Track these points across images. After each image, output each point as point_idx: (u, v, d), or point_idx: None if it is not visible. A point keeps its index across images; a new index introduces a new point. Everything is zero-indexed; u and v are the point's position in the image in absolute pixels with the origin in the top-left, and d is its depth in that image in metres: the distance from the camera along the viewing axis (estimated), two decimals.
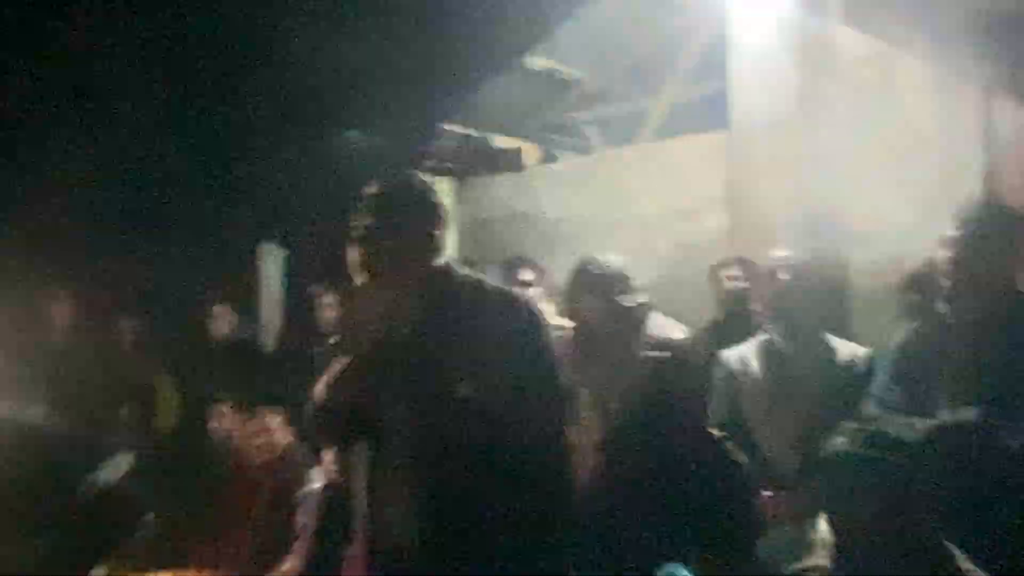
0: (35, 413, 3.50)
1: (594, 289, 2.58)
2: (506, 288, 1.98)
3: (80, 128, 4.70)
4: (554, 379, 1.86)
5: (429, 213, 1.86)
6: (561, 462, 1.86)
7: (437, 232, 1.87)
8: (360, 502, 1.96)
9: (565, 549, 1.89)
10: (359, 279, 1.85)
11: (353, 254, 1.84)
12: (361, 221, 1.84)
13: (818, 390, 2.52)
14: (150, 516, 3.55)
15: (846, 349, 2.60)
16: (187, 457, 3.51)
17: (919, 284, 2.60)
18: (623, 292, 2.61)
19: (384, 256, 1.82)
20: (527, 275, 3.17)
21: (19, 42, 4.14)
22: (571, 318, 2.74)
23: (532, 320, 1.86)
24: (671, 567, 2.48)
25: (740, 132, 3.61)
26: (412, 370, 1.80)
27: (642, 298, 2.72)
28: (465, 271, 1.96)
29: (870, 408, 2.14)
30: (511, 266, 3.24)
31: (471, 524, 1.78)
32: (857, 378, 2.48)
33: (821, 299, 2.71)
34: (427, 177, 2.02)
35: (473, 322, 1.81)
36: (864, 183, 3.25)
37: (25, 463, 3.22)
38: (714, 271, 3.37)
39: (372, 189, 1.87)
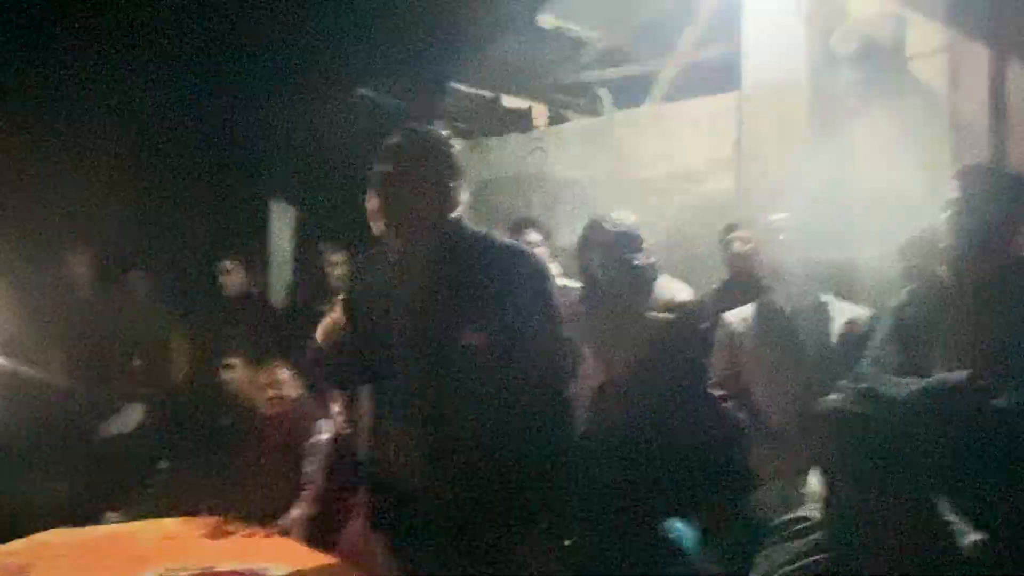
0: (53, 366, 3.61)
1: (604, 246, 2.60)
2: (514, 242, 2.02)
3: (96, 87, 4.73)
4: (557, 331, 1.91)
5: (446, 165, 1.89)
6: (562, 412, 1.90)
7: (453, 184, 1.89)
8: (365, 450, 2.01)
9: (564, 499, 1.94)
10: (376, 227, 1.89)
11: (371, 202, 1.87)
12: (380, 169, 1.88)
13: (816, 350, 2.55)
14: (163, 464, 3.67)
15: (847, 311, 2.62)
16: (199, 408, 3.60)
17: (920, 247, 2.61)
18: (633, 250, 2.63)
19: (401, 205, 1.85)
20: (532, 236, 3.20)
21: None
22: (580, 275, 2.77)
23: (538, 273, 1.90)
24: (674, 524, 2.54)
25: (750, 94, 3.58)
26: (420, 318, 1.84)
27: (651, 258, 2.74)
28: (475, 226, 1.99)
29: (865, 367, 2.17)
30: (517, 227, 3.26)
31: (473, 471, 1.82)
32: (857, 340, 2.50)
33: (823, 261, 2.72)
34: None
35: (480, 273, 1.85)
36: (873, 146, 3.23)
37: (44, 414, 3.34)
38: (723, 233, 3.38)
39: (393, 139, 1.90)
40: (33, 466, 3.09)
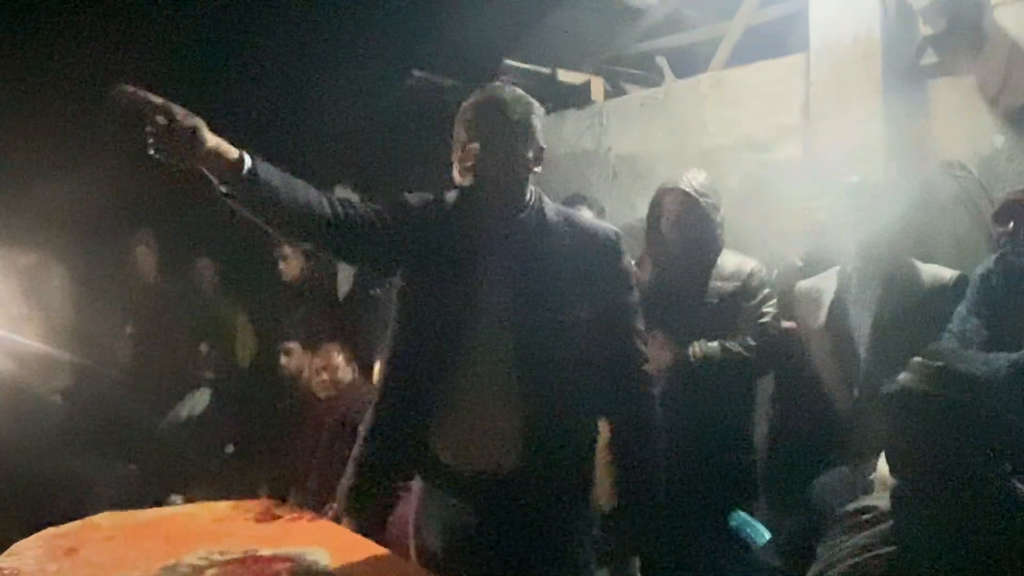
0: (121, 355, 3.71)
1: (683, 192, 2.53)
2: (605, 225, 1.97)
3: (158, 74, 4.84)
4: (636, 314, 1.87)
5: (534, 131, 1.81)
6: (650, 389, 1.86)
7: (536, 153, 1.81)
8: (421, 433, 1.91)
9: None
10: (464, 178, 1.79)
11: (456, 159, 1.80)
12: (462, 125, 1.80)
13: (894, 318, 2.37)
14: (229, 448, 3.74)
15: (929, 272, 2.43)
16: (262, 392, 3.66)
17: (1012, 211, 2.38)
18: (712, 204, 2.54)
19: (487, 160, 1.76)
20: (585, 213, 3.09)
21: None
22: (647, 240, 2.67)
23: (622, 258, 1.86)
24: (742, 516, 2.42)
25: (818, 55, 3.36)
26: (508, 291, 1.77)
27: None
28: (549, 201, 1.92)
29: (943, 342, 1.99)
30: (569, 203, 3.16)
31: (566, 447, 1.79)
32: (942, 304, 2.31)
33: (902, 226, 2.53)
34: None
35: (565, 250, 1.80)
36: (955, 103, 2.99)
37: (112, 402, 3.44)
38: (802, 204, 3.19)
39: (489, 94, 1.82)
40: (101, 452, 3.19)
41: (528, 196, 1.82)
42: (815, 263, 2.78)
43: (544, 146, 1.84)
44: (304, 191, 1.68)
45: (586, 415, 1.82)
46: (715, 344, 2.46)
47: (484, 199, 1.78)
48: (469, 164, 1.75)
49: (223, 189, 1.62)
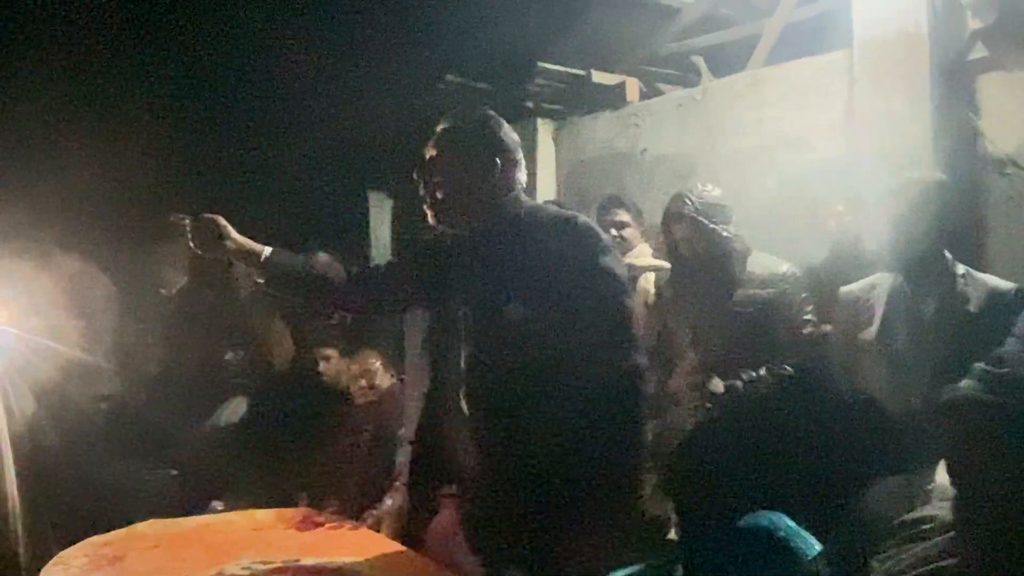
0: (163, 360, 3.74)
1: (688, 218, 2.53)
2: (566, 213, 1.92)
3: (192, 83, 4.91)
4: (612, 299, 1.79)
5: (491, 146, 1.85)
6: (626, 384, 1.77)
7: (502, 164, 1.84)
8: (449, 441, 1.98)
9: (634, 477, 1.84)
10: (430, 216, 1.88)
11: (420, 188, 1.87)
12: (428, 154, 1.86)
13: (948, 330, 2.30)
14: (267, 454, 3.75)
15: (984, 283, 2.34)
16: (298, 399, 3.66)
17: None
18: (719, 222, 2.53)
19: (449, 191, 1.83)
20: (621, 215, 3.06)
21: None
22: (668, 251, 2.67)
23: (590, 244, 1.79)
24: (791, 526, 2.36)
25: (862, 50, 3.28)
26: (474, 296, 1.83)
27: (738, 232, 2.60)
28: (529, 201, 1.94)
29: (1007, 348, 1.92)
30: (604, 206, 3.13)
31: (538, 447, 1.74)
32: (997, 316, 2.23)
33: (949, 229, 2.45)
34: (510, 117, 2.00)
35: (526, 246, 1.79)
36: (1006, 98, 2.89)
37: (155, 406, 3.47)
38: (820, 207, 3.11)
39: (441, 125, 1.88)
40: (144, 458, 3.22)
41: (495, 208, 1.83)
42: (850, 264, 2.72)
43: (517, 158, 1.87)
44: (323, 264, 1.87)
45: (564, 411, 1.74)
46: (762, 371, 2.42)
47: (452, 227, 1.89)
48: (431, 203, 1.86)
49: (259, 280, 1.94)
